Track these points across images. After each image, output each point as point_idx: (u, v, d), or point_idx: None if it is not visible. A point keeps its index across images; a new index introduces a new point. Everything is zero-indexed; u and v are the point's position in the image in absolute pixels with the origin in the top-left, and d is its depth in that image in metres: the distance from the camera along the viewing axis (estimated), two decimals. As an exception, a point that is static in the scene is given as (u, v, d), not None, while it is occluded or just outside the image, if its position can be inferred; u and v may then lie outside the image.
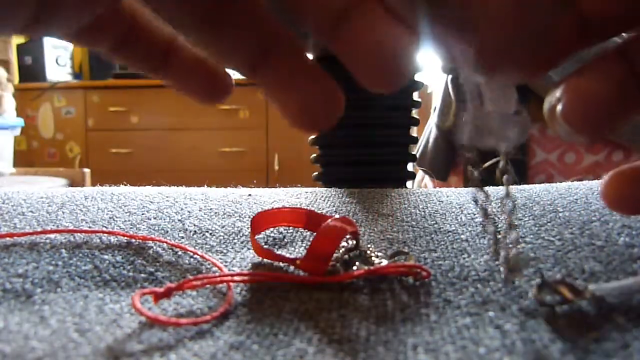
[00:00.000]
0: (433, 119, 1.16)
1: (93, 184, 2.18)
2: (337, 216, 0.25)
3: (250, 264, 0.24)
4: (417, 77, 0.46)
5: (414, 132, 0.47)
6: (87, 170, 2.26)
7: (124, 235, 0.26)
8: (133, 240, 0.26)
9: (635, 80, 0.16)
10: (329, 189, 0.36)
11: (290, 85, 0.17)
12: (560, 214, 0.28)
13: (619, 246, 0.23)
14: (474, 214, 0.29)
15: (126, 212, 0.30)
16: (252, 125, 2.74)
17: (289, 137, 2.58)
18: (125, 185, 0.37)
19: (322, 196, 0.34)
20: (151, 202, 0.32)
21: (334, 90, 0.17)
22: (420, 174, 1.28)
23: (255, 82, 0.18)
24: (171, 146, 2.76)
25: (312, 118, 0.17)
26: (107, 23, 0.20)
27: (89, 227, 0.27)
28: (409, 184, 0.49)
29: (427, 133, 1.22)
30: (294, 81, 0.17)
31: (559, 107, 0.17)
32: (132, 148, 2.79)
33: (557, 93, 0.17)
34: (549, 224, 0.27)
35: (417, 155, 1.22)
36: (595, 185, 0.34)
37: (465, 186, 1.09)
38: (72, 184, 2.21)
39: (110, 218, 0.29)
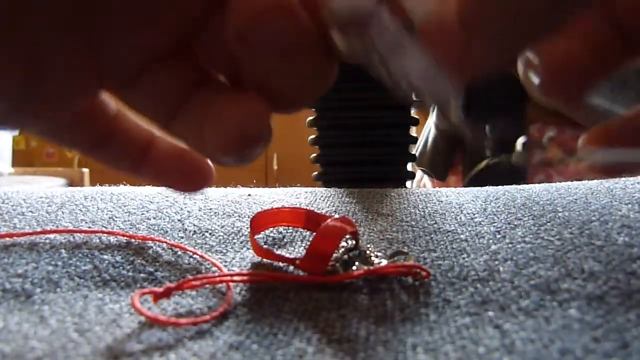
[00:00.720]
0: (432, 118, 1.16)
1: (92, 184, 2.18)
2: (336, 216, 0.25)
3: (249, 264, 0.24)
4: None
5: (413, 131, 0.47)
6: (85, 170, 2.26)
7: (123, 235, 0.26)
8: (133, 240, 0.26)
9: (619, 38, 0.16)
10: (329, 189, 0.36)
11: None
12: (560, 214, 0.28)
13: (618, 246, 0.23)
14: (474, 214, 0.29)
15: (126, 212, 0.30)
16: (251, 125, 2.73)
17: (288, 137, 2.58)
18: (124, 185, 0.37)
19: (322, 196, 0.34)
20: (151, 202, 0.32)
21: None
22: (419, 173, 1.28)
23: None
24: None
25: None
26: (85, 120, 0.20)
27: (89, 227, 0.27)
28: (408, 183, 0.49)
29: (426, 133, 1.22)
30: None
31: (535, 78, 0.17)
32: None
33: (531, 55, 0.17)
34: (548, 223, 0.27)
35: (417, 155, 1.22)
36: (595, 184, 0.34)
37: (464, 187, 1.09)
38: (71, 183, 2.21)
39: (109, 218, 0.29)
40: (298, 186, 0.38)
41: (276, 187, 0.38)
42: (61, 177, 2.22)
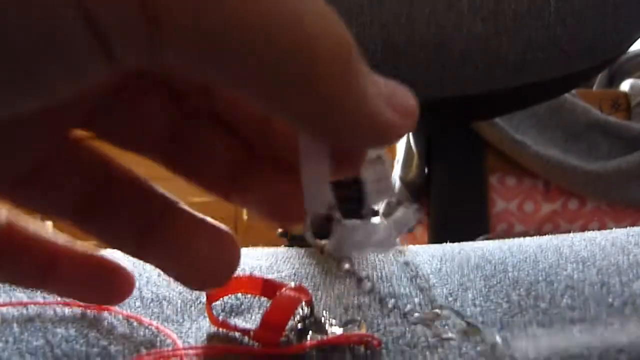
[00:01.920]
0: (397, 171, 1.19)
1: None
2: (292, 283, 0.25)
3: (205, 335, 0.24)
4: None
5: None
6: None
7: (78, 306, 0.26)
8: (88, 311, 0.26)
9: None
10: (290, 249, 0.36)
11: (182, 250, 0.18)
12: (510, 274, 0.29)
13: (561, 308, 0.25)
14: (429, 275, 0.30)
15: (82, 281, 0.29)
16: (221, 173, 2.73)
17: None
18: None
19: (282, 257, 0.34)
20: (108, 268, 0.31)
21: (231, 245, 0.19)
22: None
23: (141, 256, 0.18)
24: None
25: (208, 275, 0.18)
26: None
27: (44, 298, 0.27)
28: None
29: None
30: (185, 245, 0.18)
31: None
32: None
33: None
34: (498, 285, 0.28)
35: (383, 208, 1.24)
36: (545, 241, 0.35)
37: (431, 238, 1.11)
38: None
39: (64, 287, 0.28)
40: (262, 244, 0.39)
41: (247, 239, 0.38)
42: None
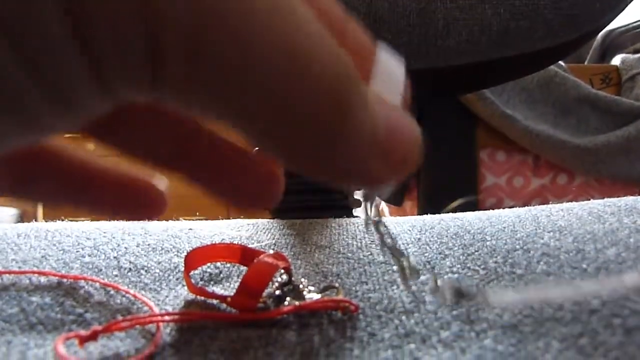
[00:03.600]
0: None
1: (45, 214, 2.10)
2: (271, 251, 0.25)
3: (183, 302, 0.24)
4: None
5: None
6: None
7: (54, 275, 0.26)
8: (64, 280, 0.25)
9: None
10: (270, 221, 0.36)
11: (219, 173, 0.18)
12: (488, 243, 0.29)
13: (537, 274, 0.25)
14: (408, 244, 0.30)
15: (60, 250, 0.29)
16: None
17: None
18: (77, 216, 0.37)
19: (263, 228, 0.34)
20: (87, 238, 0.31)
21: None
22: (376, 199, 1.30)
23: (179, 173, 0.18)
24: (129, 173, 2.70)
25: (248, 200, 0.18)
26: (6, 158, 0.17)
27: (19, 267, 0.27)
28: (356, 211, 0.50)
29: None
30: (223, 169, 0.18)
31: None
32: (88, 175, 2.72)
33: None
34: (476, 252, 0.28)
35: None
36: (523, 212, 0.35)
37: (420, 212, 1.11)
38: (24, 214, 2.13)
39: (42, 257, 0.28)
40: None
41: (239, 215, 0.38)
42: (13, 208, 2.13)
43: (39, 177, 0.18)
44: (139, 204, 0.19)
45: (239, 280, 0.26)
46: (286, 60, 0.11)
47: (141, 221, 0.20)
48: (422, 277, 0.26)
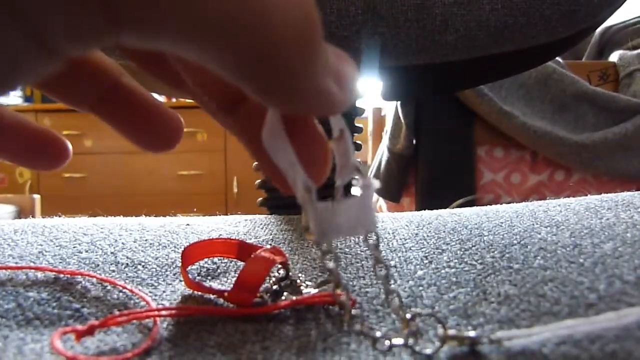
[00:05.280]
0: (385, 142, 1.19)
1: (43, 211, 2.10)
2: (268, 246, 0.25)
3: (180, 297, 0.24)
4: (358, 103, 0.48)
5: (356, 156, 0.48)
6: (36, 197, 2.18)
7: (51, 271, 0.26)
8: (61, 275, 0.25)
9: None
10: (268, 217, 0.36)
11: (131, 116, 0.20)
12: (485, 238, 0.29)
13: (534, 269, 0.25)
14: (405, 239, 0.30)
15: (56, 246, 0.29)
16: (210, 148, 2.72)
17: (248, 160, 2.57)
18: (74, 212, 0.37)
19: (261, 224, 0.34)
20: (84, 234, 0.31)
21: (173, 116, 0.21)
22: (375, 196, 1.30)
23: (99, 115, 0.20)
24: (127, 170, 2.70)
25: (156, 141, 0.21)
26: None
27: (16, 262, 0.27)
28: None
29: (379, 156, 1.24)
30: (134, 113, 0.20)
31: None
32: (86, 172, 2.71)
33: None
34: (473, 247, 0.28)
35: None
36: (521, 207, 0.35)
37: (418, 208, 1.11)
38: (22, 210, 2.12)
39: (39, 252, 0.28)
40: (252, 214, 0.38)
41: (236, 210, 0.38)
42: (11, 205, 2.13)
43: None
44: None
45: (236, 275, 0.26)
46: None
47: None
48: (420, 273, 0.26)
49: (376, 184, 0.19)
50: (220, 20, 0.12)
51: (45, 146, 0.21)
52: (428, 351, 0.19)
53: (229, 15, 0.12)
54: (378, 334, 0.19)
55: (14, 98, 2.83)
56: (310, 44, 0.13)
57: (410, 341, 0.19)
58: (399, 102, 1.11)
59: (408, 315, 0.20)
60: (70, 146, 0.21)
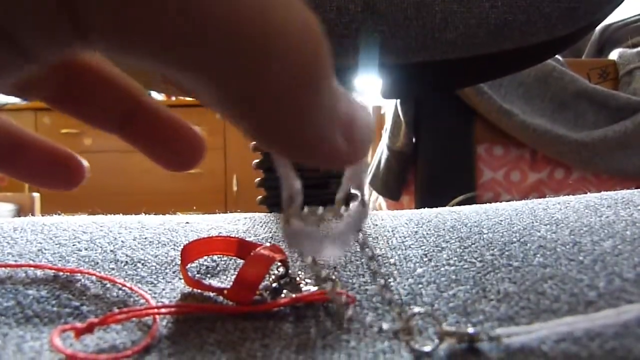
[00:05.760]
0: (384, 140, 1.19)
1: (43, 209, 2.10)
2: (268, 244, 0.25)
3: (180, 295, 0.24)
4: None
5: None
6: (36, 195, 2.18)
7: (50, 269, 0.26)
8: (60, 273, 0.25)
9: None
10: (268, 215, 0.36)
11: (154, 137, 0.20)
12: (485, 235, 0.29)
13: (533, 266, 0.25)
14: (405, 237, 0.30)
15: (56, 244, 0.29)
16: (210, 146, 2.68)
17: (247, 158, 2.57)
18: (74, 210, 0.36)
19: (260, 222, 0.34)
20: (84, 232, 0.31)
21: (195, 136, 0.20)
22: (374, 194, 1.30)
23: (123, 138, 0.20)
24: (127, 169, 2.70)
25: (178, 161, 0.20)
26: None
27: (15, 260, 0.27)
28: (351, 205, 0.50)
29: (379, 154, 1.24)
30: (157, 134, 0.20)
31: None
32: (86, 171, 2.71)
33: None
34: (472, 245, 0.28)
35: (370, 176, 1.24)
36: (520, 205, 0.35)
37: (417, 206, 1.11)
38: (22, 209, 2.12)
39: (38, 250, 0.28)
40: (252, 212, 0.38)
41: (236, 209, 0.38)
42: (10, 203, 2.13)
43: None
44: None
45: (236, 272, 0.26)
46: (257, 22, 0.10)
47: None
48: (419, 270, 0.26)
49: (368, 213, 0.19)
50: (201, 39, 0.10)
51: (62, 166, 0.21)
52: (427, 348, 0.19)
53: (216, 32, 0.10)
54: (377, 329, 0.19)
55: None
56: (315, 84, 0.11)
57: (407, 337, 0.19)
58: (398, 100, 1.11)
59: (407, 313, 0.20)
60: (86, 165, 0.21)
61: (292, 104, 0.11)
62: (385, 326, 0.21)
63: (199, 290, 0.24)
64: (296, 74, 0.11)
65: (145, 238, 0.31)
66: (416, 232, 0.31)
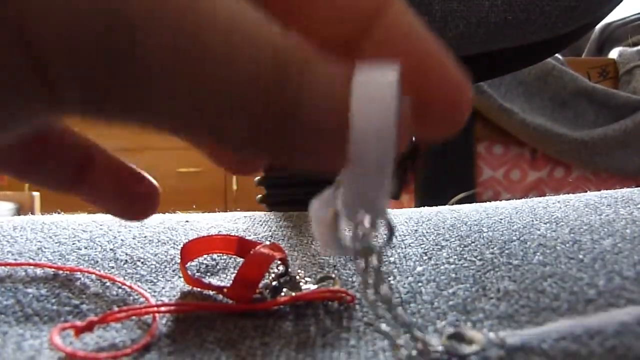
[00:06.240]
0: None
1: (43, 208, 2.09)
2: (268, 242, 0.25)
3: (179, 293, 0.24)
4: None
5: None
6: (36, 194, 2.18)
7: (50, 267, 0.26)
8: (60, 271, 0.25)
9: None
10: (267, 213, 0.36)
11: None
12: (484, 234, 0.29)
13: (533, 265, 0.25)
14: (405, 235, 0.30)
15: (56, 243, 0.29)
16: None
17: (247, 157, 2.56)
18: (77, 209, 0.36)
19: (260, 220, 0.34)
20: (83, 230, 0.31)
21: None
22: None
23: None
24: (126, 167, 2.70)
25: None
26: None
27: (15, 259, 0.27)
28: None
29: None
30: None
31: None
32: (85, 170, 2.71)
33: None
34: (472, 244, 0.28)
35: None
36: (520, 204, 0.35)
37: (417, 205, 1.11)
38: (21, 207, 2.12)
39: (38, 249, 0.28)
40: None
41: (235, 208, 0.38)
42: (10, 202, 2.13)
43: (46, 159, 0.18)
44: (135, 196, 0.19)
45: (236, 271, 0.26)
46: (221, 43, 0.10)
47: (134, 217, 0.20)
48: (419, 269, 0.26)
49: None
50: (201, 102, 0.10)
51: (136, 191, 0.19)
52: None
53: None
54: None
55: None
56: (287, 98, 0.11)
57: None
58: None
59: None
60: (159, 191, 0.20)
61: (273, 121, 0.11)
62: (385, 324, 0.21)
63: (199, 289, 0.24)
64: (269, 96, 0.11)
65: (145, 237, 0.31)
66: (416, 230, 0.31)
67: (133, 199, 0.19)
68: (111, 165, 0.19)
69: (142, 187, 0.19)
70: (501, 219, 0.32)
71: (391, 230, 0.15)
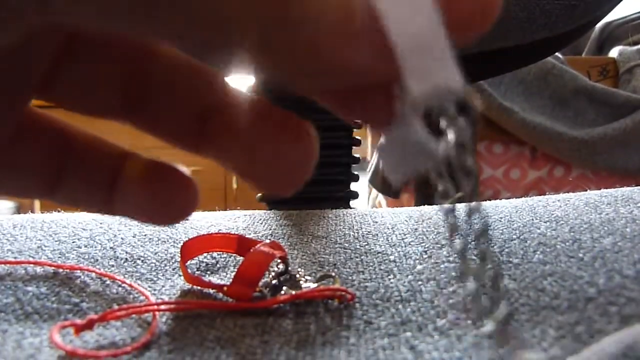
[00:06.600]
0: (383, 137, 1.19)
1: (42, 206, 2.10)
2: (268, 241, 0.25)
3: (179, 292, 0.24)
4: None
5: (355, 152, 0.48)
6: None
7: (50, 265, 0.26)
8: (60, 270, 0.25)
9: None
10: (267, 212, 0.36)
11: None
12: (485, 233, 0.29)
13: (533, 263, 0.25)
14: (405, 234, 0.30)
15: (56, 241, 0.29)
16: (210, 143, 2.71)
17: (247, 155, 2.56)
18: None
19: (260, 219, 0.34)
20: (83, 229, 0.31)
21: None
22: (374, 192, 1.30)
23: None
24: (126, 166, 2.69)
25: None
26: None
27: (15, 257, 0.27)
28: (353, 203, 0.50)
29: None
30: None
31: None
32: (85, 168, 2.71)
33: None
34: (472, 242, 0.28)
35: (370, 174, 1.24)
36: (520, 202, 0.35)
37: (417, 204, 1.11)
38: (21, 206, 2.12)
39: (38, 247, 0.28)
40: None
41: (235, 206, 0.38)
42: (10, 201, 2.13)
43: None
44: (173, 200, 0.16)
45: (236, 269, 0.26)
46: None
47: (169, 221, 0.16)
48: (419, 267, 0.26)
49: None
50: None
51: (173, 191, 0.16)
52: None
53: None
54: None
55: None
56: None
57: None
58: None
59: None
60: (198, 192, 0.16)
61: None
62: (384, 322, 0.21)
63: (199, 287, 0.24)
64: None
65: (145, 235, 0.31)
66: (416, 229, 0.31)
67: (168, 200, 0.16)
68: (144, 169, 0.16)
69: (177, 186, 0.16)
70: (501, 218, 0.32)
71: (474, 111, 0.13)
